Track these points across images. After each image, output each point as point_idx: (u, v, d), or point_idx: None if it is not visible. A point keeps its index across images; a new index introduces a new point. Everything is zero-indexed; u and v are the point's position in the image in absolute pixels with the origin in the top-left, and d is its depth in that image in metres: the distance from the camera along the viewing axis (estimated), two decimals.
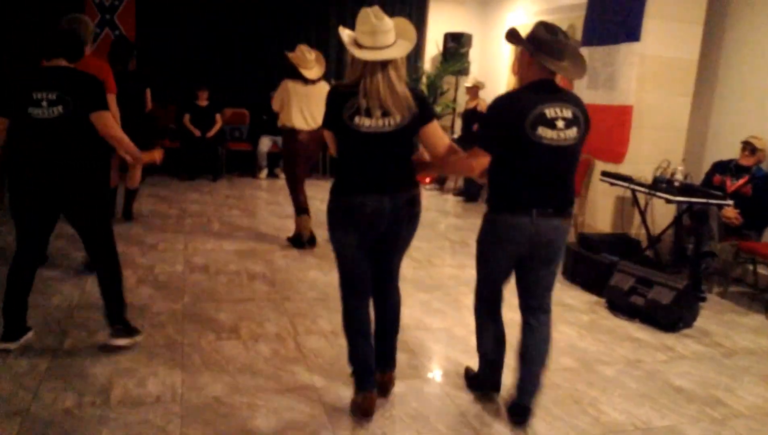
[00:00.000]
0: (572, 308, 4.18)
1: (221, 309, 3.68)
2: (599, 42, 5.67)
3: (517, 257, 2.61)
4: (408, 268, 4.68)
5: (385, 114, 2.41)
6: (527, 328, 2.71)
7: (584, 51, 5.59)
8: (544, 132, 2.41)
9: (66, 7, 7.68)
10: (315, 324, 3.59)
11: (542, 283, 2.67)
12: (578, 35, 6.16)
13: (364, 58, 2.37)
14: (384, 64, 2.38)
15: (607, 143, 5.50)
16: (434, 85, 8.88)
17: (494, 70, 9.18)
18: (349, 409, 2.71)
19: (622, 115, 5.40)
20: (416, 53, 9.21)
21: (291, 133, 4.94)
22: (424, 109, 2.50)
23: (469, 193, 7.74)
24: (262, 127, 8.24)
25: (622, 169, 5.25)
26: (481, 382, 2.92)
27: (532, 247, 2.54)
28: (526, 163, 2.47)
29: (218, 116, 7.98)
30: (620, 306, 4.14)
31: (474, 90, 7.69)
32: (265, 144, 8.25)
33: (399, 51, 2.42)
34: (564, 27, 2.80)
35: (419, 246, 5.36)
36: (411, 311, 3.84)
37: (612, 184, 5.09)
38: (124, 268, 3.18)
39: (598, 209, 5.72)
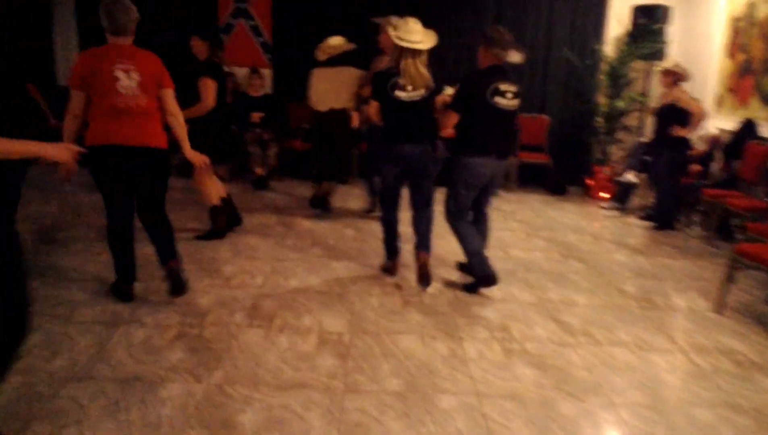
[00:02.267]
0: None
1: None
2: None
3: (481, 185, 3.83)
4: (558, 340, 3.22)
5: (415, 88, 3.66)
6: (480, 220, 4.06)
7: None
8: (499, 100, 3.62)
9: None
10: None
11: (489, 195, 4.01)
12: None
13: (402, 45, 3.60)
14: (414, 54, 3.61)
15: None
16: (616, 73, 7.00)
17: (700, 54, 7.04)
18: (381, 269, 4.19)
19: None
20: (595, 33, 7.38)
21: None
22: (437, 88, 3.76)
23: (662, 217, 5.85)
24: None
25: None
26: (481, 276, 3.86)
27: (490, 178, 3.83)
28: (487, 120, 3.65)
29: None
30: None
31: (671, 76, 5.70)
32: None
33: (424, 45, 3.63)
34: None
35: (576, 300, 3.83)
36: None
37: None
38: None
39: None
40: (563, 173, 7.35)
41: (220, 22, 7.35)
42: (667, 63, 5.81)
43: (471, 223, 3.96)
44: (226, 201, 4.76)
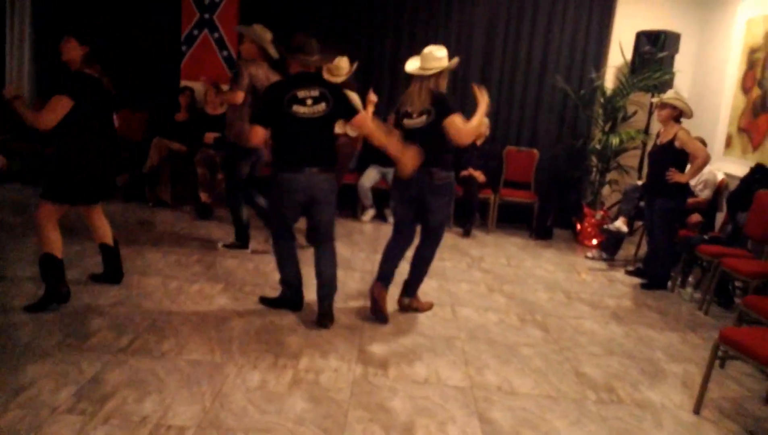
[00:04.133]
0: None
1: None
2: None
3: (301, 203, 3.48)
4: None
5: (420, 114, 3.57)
6: (319, 252, 3.63)
7: None
8: (298, 109, 3.34)
9: (163, 2, 6.83)
10: None
11: (319, 221, 3.56)
12: None
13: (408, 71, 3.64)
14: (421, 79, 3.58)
15: None
16: (613, 106, 6.22)
17: (711, 87, 6.24)
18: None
19: None
20: (595, 61, 6.62)
21: None
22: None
23: (653, 274, 5.02)
24: (371, 156, 6.41)
25: None
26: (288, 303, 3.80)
27: (309, 195, 3.44)
28: (291, 132, 3.39)
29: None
30: None
31: (669, 111, 4.90)
32: (370, 177, 6.38)
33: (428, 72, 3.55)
34: None
35: (517, 387, 3.04)
36: None
37: None
38: None
39: None
40: (550, 214, 6.56)
41: (183, 32, 6.79)
42: (666, 95, 5.01)
43: (394, 245, 3.81)
44: (108, 248, 3.88)
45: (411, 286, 3.93)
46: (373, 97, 4.13)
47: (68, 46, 3.45)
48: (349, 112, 3.52)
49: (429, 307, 4.03)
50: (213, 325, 3.45)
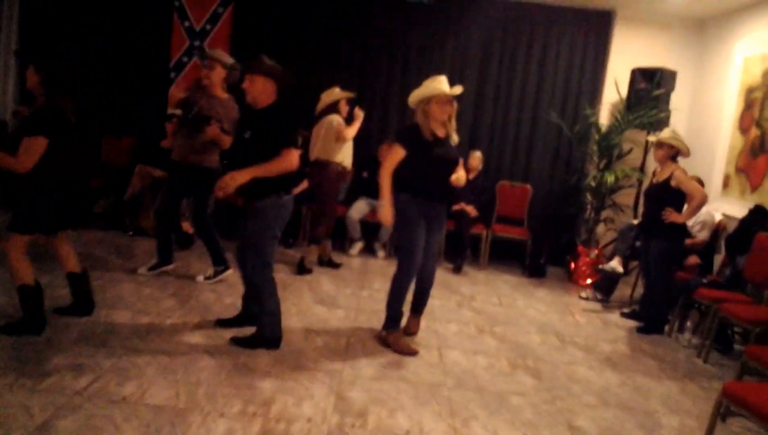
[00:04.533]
0: None
1: None
2: None
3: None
4: None
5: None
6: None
7: None
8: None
9: (153, 29, 6.74)
10: None
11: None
12: None
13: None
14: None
15: None
16: (608, 143, 6.11)
17: (708, 126, 6.14)
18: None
19: None
20: (591, 97, 6.54)
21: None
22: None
23: (649, 318, 4.83)
24: (360, 187, 6.25)
25: None
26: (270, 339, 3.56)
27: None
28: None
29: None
30: None
31: (666, 150, 4.78)
32: (359, 209, 6.21)
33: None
34: None
35: None
36: None
37: None
38: None
39: None
40: (543, 252, 6.39)
41: (172, 59, 6.68)
42: (662, 133, 4.89)
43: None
44: (76, 277, 3.69)
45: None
46: (359, 112, 4.55)
47: (28, 74, 3.35)
48: None
49: (408, 351, 3.77)
50: (181, 366, 3.22)
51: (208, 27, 6.63)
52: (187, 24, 6.62)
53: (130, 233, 6.07)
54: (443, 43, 6.62)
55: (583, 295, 5.58)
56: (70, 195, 3.42)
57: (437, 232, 3.82)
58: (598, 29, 6.53)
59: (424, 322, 4.25)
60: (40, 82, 3.29)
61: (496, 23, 6.55)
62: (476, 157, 6.38)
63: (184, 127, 4.54)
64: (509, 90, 6.66)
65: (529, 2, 6.52)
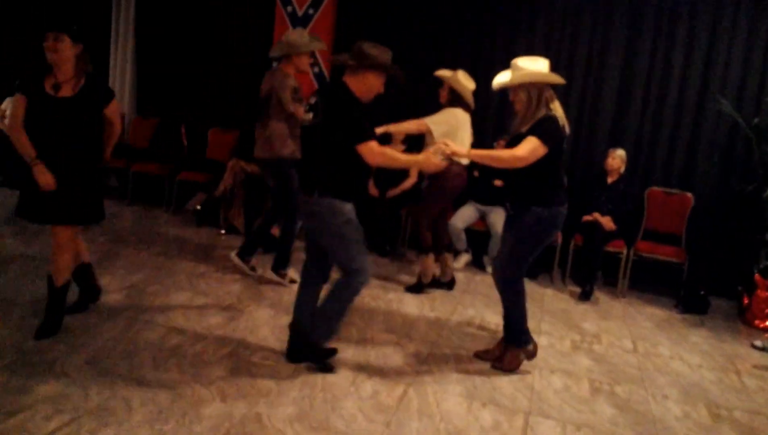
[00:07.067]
0: None
1: None
2: None
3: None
4: None
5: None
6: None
7: None
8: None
9: (255, 17, 6.43)
10: None
11: None
12: None
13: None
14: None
15: None
16: None
17: None
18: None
19: None
20: None
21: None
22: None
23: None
24: (468, 190, 5.30)
25: None
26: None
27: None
28: None
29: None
30: None
31: None
32: (465, 217, 5.26)
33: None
34: None
35: None
36: None
37: None
38: None
39: None
40: (705, 280, 4.95)
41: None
42: None
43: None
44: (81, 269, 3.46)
45: None
46: None
47: (61, 46, 2.92)
48: None
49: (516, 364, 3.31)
50: (179, 414, 2.57)
51: (310, 11, 6.11)
52: (289, 9, 6.16)
53: (222, 232, 5.72)
54: (579, 14, 5.44)
55: (758, 343, 4.14)
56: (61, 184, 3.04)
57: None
58: None
59: (513, 376, 3.24)
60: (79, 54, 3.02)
61: None
62: (618, 156, 5.11)
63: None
64: (666, 70, 5.29)
65: None
